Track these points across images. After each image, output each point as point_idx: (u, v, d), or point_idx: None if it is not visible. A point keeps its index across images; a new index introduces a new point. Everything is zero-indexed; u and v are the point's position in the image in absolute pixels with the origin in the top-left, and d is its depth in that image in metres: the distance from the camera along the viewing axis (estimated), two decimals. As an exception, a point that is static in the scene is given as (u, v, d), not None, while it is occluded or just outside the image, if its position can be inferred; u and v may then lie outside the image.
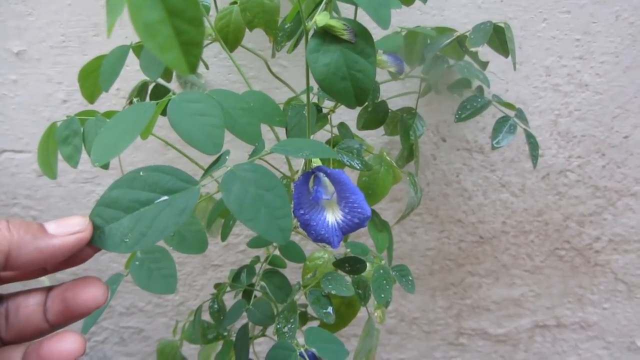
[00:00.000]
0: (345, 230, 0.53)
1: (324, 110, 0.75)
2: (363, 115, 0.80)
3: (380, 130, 0.98)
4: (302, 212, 0.53)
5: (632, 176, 1.09)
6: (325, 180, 0.53)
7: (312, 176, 0.53)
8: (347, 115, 0.94)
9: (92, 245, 0.38)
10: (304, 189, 0.53)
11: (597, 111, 1.02)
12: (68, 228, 0.37)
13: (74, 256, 0.39)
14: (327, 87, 0.51)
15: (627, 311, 1.28)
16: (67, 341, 0.37)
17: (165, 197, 0.39)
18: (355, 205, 0.52)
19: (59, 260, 0.37)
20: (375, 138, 1.04)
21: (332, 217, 0.53)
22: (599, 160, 1.07)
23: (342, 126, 0.71)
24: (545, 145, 1.05)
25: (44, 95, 1.02)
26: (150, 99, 0.84)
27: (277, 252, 0.68)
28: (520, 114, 0.85)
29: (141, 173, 0.40)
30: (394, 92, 0.95)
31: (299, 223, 0.54)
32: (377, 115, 0.80)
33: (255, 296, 0.63)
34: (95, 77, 0.82)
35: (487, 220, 1.14)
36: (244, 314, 0.65)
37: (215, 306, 0.68)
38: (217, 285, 0.61)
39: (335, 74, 0.50)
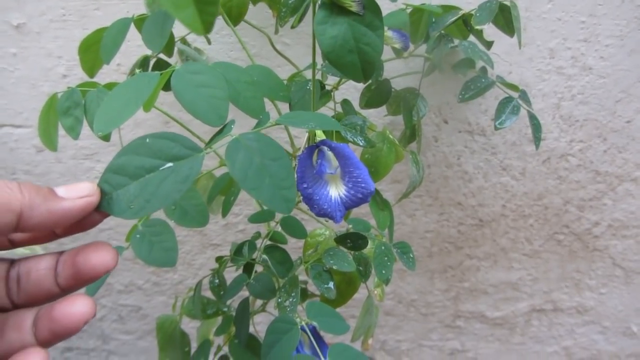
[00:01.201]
0: (349, 205, 0.53)
1: (327, 88, 0.75)
2: (366, 94, 0.80)
3: (383, 110, 0.97)
4: (305, 186, 0.53)
5: (633, 161, 1.09)
6: (330, 154, 0.52)
7: (316, 150, 0.53)
8: (350, 95, 0.94)
9: (99, 210, 0.39)
10: (307, 163, 0.53)
11: (600, 95, 1.02)
12: (77, 192, 0.38)
13: (83, 220, 0.39)
14: (334, 60, 0.50)
15: (624, 296, 1.28)
16: (78, 304, 0.38)
17: (170, 164, 0.39)
18: (359, 180, 0.51)
19: (68, 223, 0.38)
20: (378, 119, 1.03)
21: (336, 191, 0.53)
22: (600, 145, 1.07)
23: (345, 103, 0.71)
24: (547, 128, 1.05)
25: (44, 69, 1.01)
26: (152, 73, 0.83)
27: (278, 229, 0.68)
28: (524, 95, 0.84)
29: (147, 140, 0.40)
30: (397, 72, 0.94)
31: (301, 197, 0.53)
32: (380, 94, 0.79)
33: (255, 271, 0.63)
34: (95, 50, 0.80)
35: (487, 204, 1.14)
36: (245, 291, 0.65)
37: (216, 281, 0.68)
38: (219, 259, 0.61)
39: (343, 46, 0.50)
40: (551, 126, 1.05)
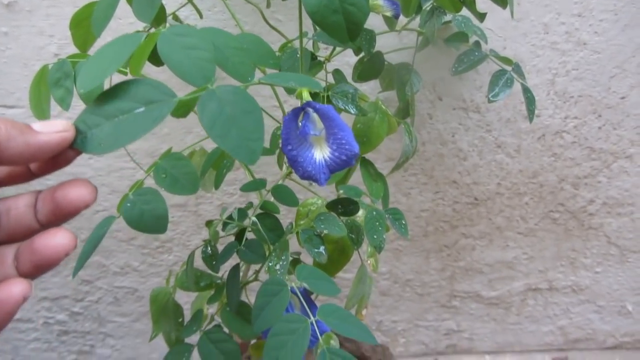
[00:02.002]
0: (333, 167, 0.53)
1: (320, 60, 0.74)
2: (358, 67, 0.79)
3: (377, 87, 0.97)
4: (289, 147, 0.53)
5: (628, 138, 1.09)
6: (315, 116, 0.52)
7: (302, 113, 0.53)
8: (343, 70, 0.93)
9: (74, 147, 0.40)
10: (292, 124, 0.53)
11: (595, 71, 1.02)
12: (53, 127, 0.39)
13: (58, 158, 0.40)
14: (319, 21, 0.50)
15: (619, 275, 1.28)
16: (58, 236, 0.39)
17: (143, 108, 0.41)
18: (343, 142, 0.51)
19: (44, 158, 0.39)
20: (371, 96, 1.03)
21: (320, 154, 0.53)
22: (595, 122, 1.07)
23: (337, 73, 0.70)
24: (541, 105, 1.05)
25: (36, 48, 1.00)
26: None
27: (271, 199, 0.68)
28: (517, 69, 0.84)
29: (127, 84, 0.41)
30: (391, 48, 0.94)
31: (286, 160, 0.54)
32: (373, 66, 0.79)
33: (246, 239, 0.63)
34: (87, 25, 0.80)
35: (482, 182, 1.14)
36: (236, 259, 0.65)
37: (209, 251, 0.68)
38: (209, 223, 0.61)
39: (328, 7, 0.49)
40: (546, 102, 1.05)
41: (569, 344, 1.39)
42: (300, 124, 0.52)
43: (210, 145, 0.89)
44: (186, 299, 0.93)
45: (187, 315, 0.84)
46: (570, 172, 1.13)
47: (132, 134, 0.40)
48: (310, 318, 0.51)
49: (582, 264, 1.27)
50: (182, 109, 0.46)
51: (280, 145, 0.54)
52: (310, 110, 0.52)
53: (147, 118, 0.40)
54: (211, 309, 0.72)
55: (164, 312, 0.75)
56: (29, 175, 0.42)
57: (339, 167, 0.52)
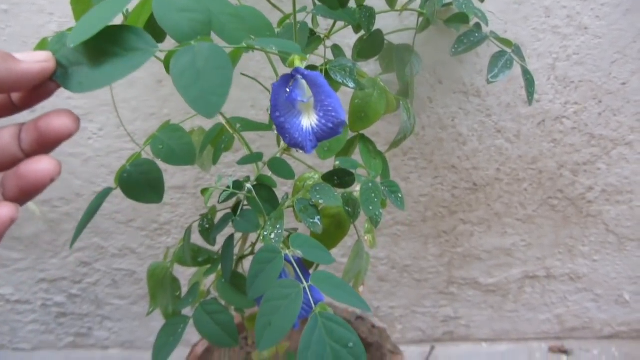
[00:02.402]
0: (320, 135, 0.53)
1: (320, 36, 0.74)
2: (358, 45, 0.79)
3: (377, 69, 0.97)
4: (277, 114, 0.53)
5: (628, 125, 1.09)
6: (303, 83, 0.52)
7: (292, 80, 0.53)
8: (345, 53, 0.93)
9: (54, 80, 0.42)
10: (281, 91, 0.53)
11: (596, 55, 1.01)
12: (34, 57, 0.40)
13: (39, 89, 0.42)
14: None
15: (617, 264, 1.29)
16: (43, 162, 0.40)
17: (126, 53, 0.42)
18: (330, 109, 0.51)
19: (26, 87, 0.41)
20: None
21: (308, 121, 0.53)
22: (595, 107, 1.07)
23: (336, 48, 0.70)
24: (542, 90, 1.05)
25: (36, 26, 1.00)
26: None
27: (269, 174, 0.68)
28: (517, 50, 0.84)
29: (114, 29, 0.42)
30: (392, 29, 0.94)
31: (275, 127, 0.54)
32: (372, 44, 0.79)
33: (242, 210, 0.63)
34: (87, 0, 0.80)
35: (482, 167, 1.14)
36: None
37: (206, 225, 0.68)
38: (204, 190, 0.61)
39: None
40: (546, 87, 1.04)
41: (566, 333, 1.40)
42: (288, 90, 0.52)
43: (208, 124, 0.89)
44: (185, 277, 0.93)
45: (185, 292, 0.84)
46: (569, 159, 1.13)
47: (111, 77, 0.41)
48: (303, 284, 0.51)
49: (580, 252, 1.27)
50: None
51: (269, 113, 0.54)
52: (299, 77, 0.52)
53: (127, 63, 0.42)
54: (209, 285, 0.72)
55: (161, 286, 0.75)
56: (11, 108, 0.43)
57: (326, 135, 0.53)
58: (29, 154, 0.42)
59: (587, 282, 1.32)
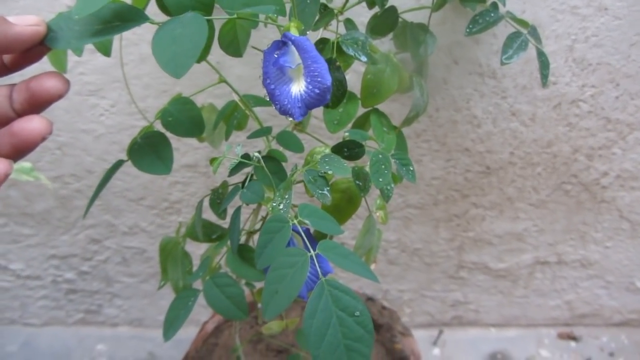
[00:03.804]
0: (308, 102, 0.52)
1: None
2: (372, 21, 0.78)
3: (392, 48, 0.95)
4: (268, 81, 0.53)
5: (646, 109, 1.07)
6: (292, 49, 0.52)
7: (282, 46, 0.53)
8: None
9: (45, 44, 0.44)
10: (271, 58, 0.53)
11: (615, 37, 0.99)
12: (26, 21, 0.42)
13: (30, 52, 0.44)
14: None
15: (629, 251, 1.27)
16: (35, 121, 0.42)
17: (118, 23, 0.45)
18: (316, 74, 0.50)
19: (19, 48, 0.42)
20: (386, 58, 1.01)
21: (297, 88, 0.53)
22: (612, 91, 1.05)
23: (348, 22, 0.69)
24: (559, 72, 1.03)
25: (49, -1, 0.99)
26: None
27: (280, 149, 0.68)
28: (533, 32, 0.82)
29: (113, 6, 0.45)
30: (407, 7, 0.92)
31: (267, 95, 0.54)
32: (386, 21, 0.77)
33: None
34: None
35: (495, 150, 1.13)
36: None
37: (217, 200, 0.68)
38: (213, 160, 0.61)
39: None
40: (563, 70, 1.03)
41: (575, 319, 1.39)
42: (276, 56, 0.52)
43: (217, 101, 0.88)
44: (195, 258, 0.93)
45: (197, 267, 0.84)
46: (584, 143, 1.11)
47: (99, 37, 0.44)
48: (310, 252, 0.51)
49: (593, 238, 1.26)
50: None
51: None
52: (289, 42, 0.51)
53: (118, 29, 0.45)
54: (222, 260, 0.72)
55: (173, 260, 0.75)
56: (3, 70, 0.45)
57: (314, 102, 0.52)
58: (21, 113, 0.44)
59: (599, 268, 1.31)
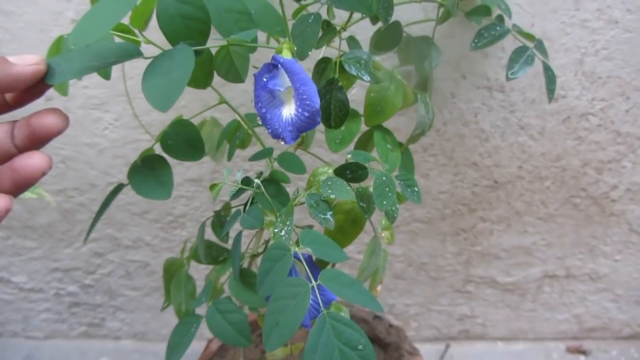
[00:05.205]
0: (299, 125, 0.51)
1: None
2: (375, 36, 0.77)
3: (397, 61, 0.94)
4: (259, 105, 0.53)
5: (656, 123, 1.05)
6: (283, 72, 0.51)
7: (272, 69, 0.52)
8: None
9: (45, 82, 0.45)
10: (262, 81, 0.53)
11: (625, 51, 0.98)
12: (27, 60, 0.43)
13: (31, 89, 0.45)
14: None
15: (639, 264, 1.25)
16: (35, 157, 0.43)
17: (114, 59, 0.46)
18: (305, 97, 0.50)
19: (20, 87, 0.44)
20: (392, 71, 1.00)
21: (288, 111, 0.52)
22: (622, 104, 1.04)
23: (351, 39, 0.68)
24: (568, 86, 1.02)
25: (53, 13, 0.99)
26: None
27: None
28: (540, 46, 0.81)
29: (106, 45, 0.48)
30: (413, 20, 0.91)
31: (260, 119, 0.54)
32: (390, 36, 0.76)
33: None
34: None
35: (503, 164, 1.11)
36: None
37: (219, 221, 0.67)
38: (213, 186, 0.60)
39: None
40: (573, 83, 1.01)
41: (584, 333, 1.37)
42: (265, 79, 0.51)
43: (221, 116, 0.87)
44: (202, 274, 0.92)
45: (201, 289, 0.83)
46: (594, 157, 1.10)
47: (94, 70, 0.45)
48: (312, 282, 0.49)
49: (602, 252, 1.24)
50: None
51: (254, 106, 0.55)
52: (278, 65, 0.51)
53: (113, 64, 0.46)
54: (225, 283, 0.71)
55: (176, 282, 0.74)
56: (5, 107, 0.46)
57: (304, 125, 0.51)
58: (22, 149, 0.45)
59: (608, 282, 1.29)
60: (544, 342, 1.39)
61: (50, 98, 1.06)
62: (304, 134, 0.71)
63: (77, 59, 0.45)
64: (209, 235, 0.75)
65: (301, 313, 0.47)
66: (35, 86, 0.44)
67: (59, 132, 0.44)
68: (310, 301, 0.49)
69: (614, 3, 0.94)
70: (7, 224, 1.21)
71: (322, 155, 0.81)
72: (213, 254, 0.73)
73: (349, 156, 0.62)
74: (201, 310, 0.67)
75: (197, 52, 0.48)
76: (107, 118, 1.08)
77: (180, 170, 1.13)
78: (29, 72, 0.43)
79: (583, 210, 1.17)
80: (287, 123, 0.52)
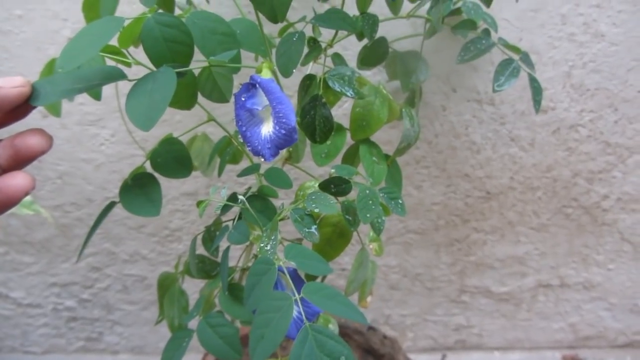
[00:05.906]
0: (276, 142, 0.53)
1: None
2: (361, 52, 0.78)
3: (386, 77, 0.96)
4: (240, 124, 0.55)
5: (645, 133, 1.07)
6: (261, 91, 0.53)
7: (251, 88, 0.54)
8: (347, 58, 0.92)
9: (30, 103, 0.46)
10: (241, 101, 0.54)
11: (612, 63, 1.00)
12: (12, 83, 0.44)
13: (16, 110, 0.46)
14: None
15: (632, 272, 1.26)
16: (18, 177, 0.44)
17: (99, 82, 0.48)
18: (281, 115, 0.51)
19: (5, 109, 0.45)
20: (383, 86, 1.02)
21: (267, 129, 0.54)
22: (611, 115, 1.05)
23: (336, 56, 0.69)
24: (557, 98, 1.03)
25: (50, 32, 1.00)
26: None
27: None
28: (526, 58, 0.82)
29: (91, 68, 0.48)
30: (400, 35, 0.93)
31: (240, 137, 0.55)
32: (375, 52, 0.78)
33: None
34: (99, 8, 0.80)
35: (495, 175, 1.12)
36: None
37: (210, 238, 0.69)
38: (200, 203, 0.61)
39: None
40: (561, 95, 1.03)
41: (579, 342, 1.38)
42: (243, 99, 0.53)
43: (210, 130, 0.89)
44: (196, 287, 0.93)
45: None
46: (584, 167, 1.11)
47: (79, 92, 0.47)
48: (295, 296, 0.50)
49: (595, 261, 1.25)
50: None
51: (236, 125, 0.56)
52: (256, 84, 0.52)
53: (98, 86, 0.48)
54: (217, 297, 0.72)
55: (169, 297, 0.75)
56: None
57: (282, 142, 0.53)
58: (6, 169, 0.46)
59: (602, 290, 1.30)
60: (540, 351, 1.39)
61: (47, 115, 1.08)
62: (290, 148, 0.72)
63: (61, 82, 0.46)
64: (203, 249, 0.77)
65: (285, 326, 0.48)
66: (20, 107, 0.45)
67: (42, 152, 0.45)
68: (297, 314, 0.50)
69: (600, 17, 0.96)
70: (5, 239, 1.22)
71: (313, 169, 0.82)
72: (206, 269, 0.74)
73: (333, 170, 0.63)
74: (195, 324, 0.68)
75: (179, 74, 0.50)
76: (104, 134, 1.09)
77: (176, 184, 1.15)
78: (14, 94, 0.44)
79: (575, 220, 1.18)
80: (266, 140, 0.53)
